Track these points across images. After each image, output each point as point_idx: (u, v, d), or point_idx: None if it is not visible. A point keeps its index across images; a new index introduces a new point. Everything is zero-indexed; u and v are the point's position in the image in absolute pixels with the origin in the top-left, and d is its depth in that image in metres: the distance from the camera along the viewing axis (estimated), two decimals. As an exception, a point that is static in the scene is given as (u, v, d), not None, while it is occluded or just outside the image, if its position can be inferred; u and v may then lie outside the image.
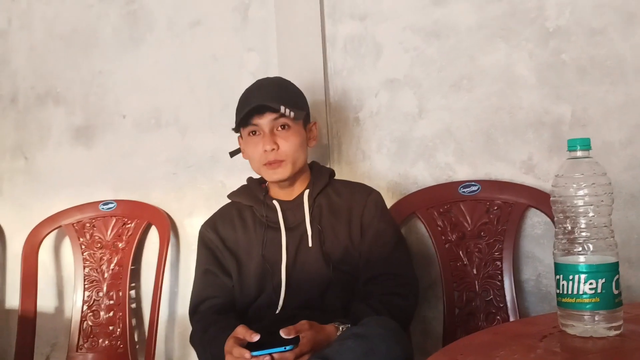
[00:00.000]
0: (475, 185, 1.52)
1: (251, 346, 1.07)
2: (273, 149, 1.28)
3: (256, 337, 1.07)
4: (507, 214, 1.48)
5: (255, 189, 1.41)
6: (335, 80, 1.68)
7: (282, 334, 1.06)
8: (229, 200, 1.45)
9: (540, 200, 1.46)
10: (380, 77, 1.65)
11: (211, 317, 1.30)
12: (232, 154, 1.42)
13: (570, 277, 0.80)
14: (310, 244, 1.31)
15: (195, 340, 1.30)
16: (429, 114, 1.61)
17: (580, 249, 0.82)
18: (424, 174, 1.62)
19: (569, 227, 0.83)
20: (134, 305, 1.87)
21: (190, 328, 1.37)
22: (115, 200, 1.86)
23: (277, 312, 1.28)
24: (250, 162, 1.36)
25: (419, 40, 1.61)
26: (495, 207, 1.50)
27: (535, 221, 1.53)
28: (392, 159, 1.65)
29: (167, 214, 1.82)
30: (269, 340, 1.08)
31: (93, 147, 1.94)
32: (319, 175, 1.40)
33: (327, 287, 1.29)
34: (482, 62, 1.55)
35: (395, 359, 1.02)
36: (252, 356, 1.05)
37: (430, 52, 1.60)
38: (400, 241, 1.38)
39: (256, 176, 1.42)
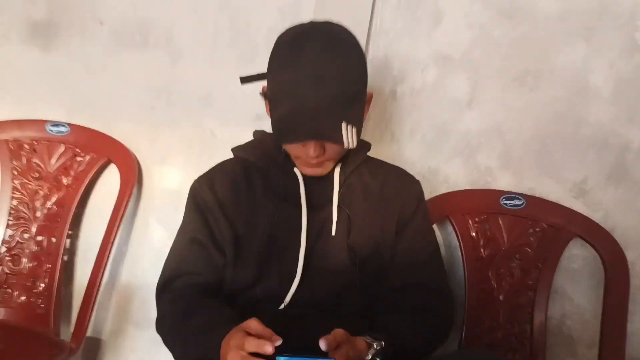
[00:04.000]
0: (519, 199, 1.30)
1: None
2: (318, 156, 0.96)
3: (279, 342, 0.78)
4: (550, 239, 1.28)
5: (272, 148, 1.09)
6: (379, 40, 1.39)
7: (322, 345, 0.78)
8: (229, 156, 1.13)
9: (591, 231, 1.27)
10: (433, 50, 1.38)
11: (196, 299, 0.99)
12: (246, 80, 1.00)
13: None
14: (333, 232, 1.02)
15: (167, 326, 0.99)
16: (480, 106, 1.37)
17: None
18: (458, 174, 1.38)
19: None
20: (65, 258, 1.49)
21: (148, 305, 1.08)
22: (69, 124, 1.46)
23: (282, 307, 0.99)
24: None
25: (487, 18, 1.35)
26: (538, 229, 1.29)
27: (573, 253, 1.34)
28: (425, 148, 1.39)
29: (134, 155, 1.46)
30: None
31: (52, 51, 1.52)
32: (356, 148, 1.11)
33: (346, 288, 1.02)
34: (555, 60, 1.33)
35: None
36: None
37: (498, 34, 1.35)
38: (437, 247, 1.13)
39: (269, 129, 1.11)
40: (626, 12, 1.29)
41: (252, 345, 0.78)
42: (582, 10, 1.31)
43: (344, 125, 0.89)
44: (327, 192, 1.05)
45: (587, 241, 1.28)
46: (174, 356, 0.97)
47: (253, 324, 0.83)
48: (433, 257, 1.09)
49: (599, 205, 1.32)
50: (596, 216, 1.32)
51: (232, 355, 0.80)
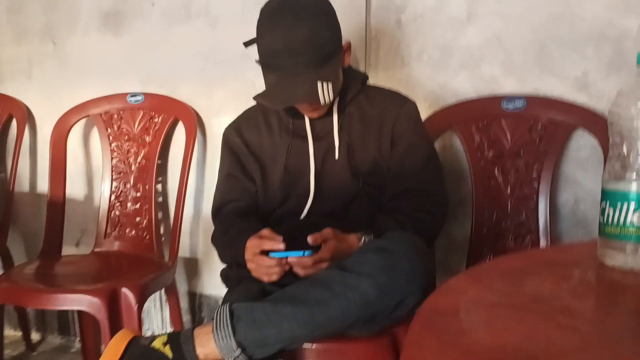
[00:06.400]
0: (520, 100, 1.41)
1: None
2: (312, 108, 1.23)
3: (281, 245, 1.05)
4: (551, 133, 1.38)
5: None
6: (379, -24, 1.54)
7: (310, 240, 1.04)
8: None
9: (592, 121, 1.36)
10: (429, -25, 1.49)
11: (233, 220, 1.28)
12: (248, 43, 1.21)
13: (619, 205, 0.73)
14: (337, 156, 1.25)
15: (216, 240, 1.30)
16: (478, 20, 1.47)
17: (634, 175, 0.73)
18: (465, 86, 1.51)
19: (625, 152, 0.75)
20: (160, 199, 1.88)
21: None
22: (143, 93, 1.81)
23: (301, 218, 1.26)
24: None
25: None
26: (540, 126, 1.40)
27: (581, 143, 1.43)
28: (433, 67, 1.53)
29: (195, 111, 1.77)
30: (290, 244, 1.07)
31: (121, 35, 1.86)
32: (351, 81, 1.30)
33: (353, 199, 1.25)
34: (546, -38, 1.38)
35: (416, 277, 0.99)
36: (271, 257, 1.04)
37: (488, -53, 1.43)
38: (433, 156, 1.30)
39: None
40: None
41: (268, 244, 1.07)
42: None
43: (319, 84, 1.11)
44: (328, 124, 1.27)
45: (588, 131, 1.37)
46: (220, 260, 1.29)
47: (265, 231, 1.11)
48: (427, 165, 1.26)
49: (603, 94, 1.39)
50: (600, 105, 1.39)
51: (247, 253, 1.09)
